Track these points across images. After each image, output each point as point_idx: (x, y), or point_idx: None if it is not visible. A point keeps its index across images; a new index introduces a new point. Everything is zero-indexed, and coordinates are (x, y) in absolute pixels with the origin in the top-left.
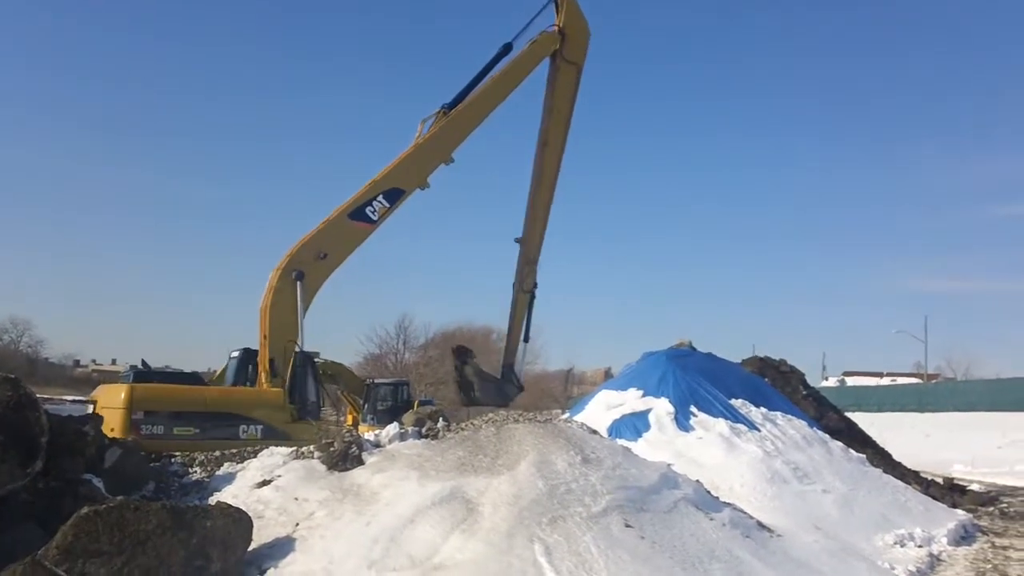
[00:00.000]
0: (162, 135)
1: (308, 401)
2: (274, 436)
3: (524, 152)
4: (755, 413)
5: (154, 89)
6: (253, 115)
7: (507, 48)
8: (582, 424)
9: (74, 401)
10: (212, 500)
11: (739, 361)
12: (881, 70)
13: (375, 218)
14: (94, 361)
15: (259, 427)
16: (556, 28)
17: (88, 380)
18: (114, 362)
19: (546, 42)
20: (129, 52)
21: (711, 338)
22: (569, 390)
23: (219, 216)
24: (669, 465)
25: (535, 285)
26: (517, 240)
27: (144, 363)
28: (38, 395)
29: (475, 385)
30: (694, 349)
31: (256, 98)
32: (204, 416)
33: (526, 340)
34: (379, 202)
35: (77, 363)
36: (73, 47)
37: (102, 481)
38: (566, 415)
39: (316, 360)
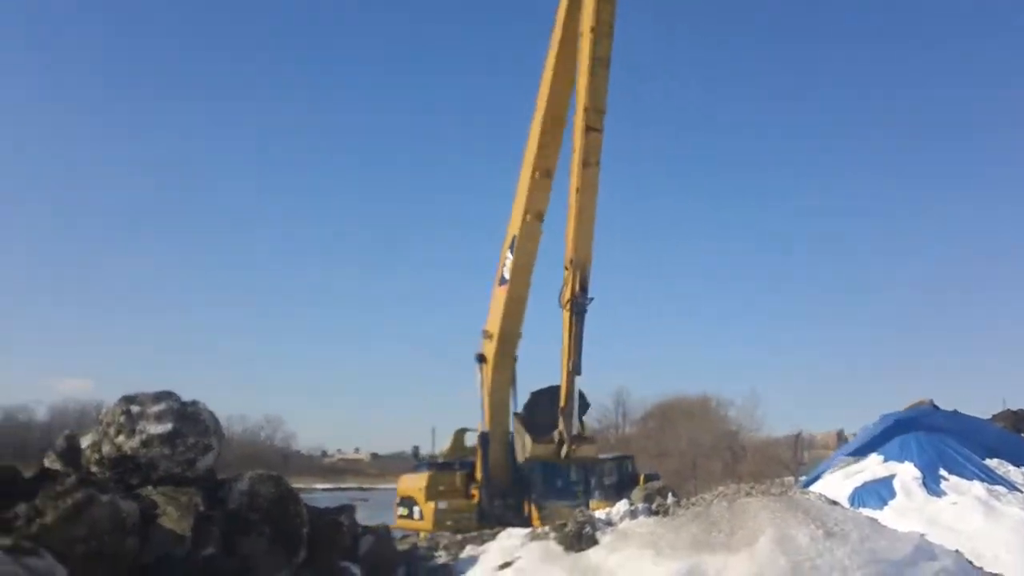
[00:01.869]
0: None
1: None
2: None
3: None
4: (1015, 473)
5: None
6: None
7: None
8: (820, 494)
9: (325, 490)
10: None
11: (989, 417)
12: None
13: (508, 275)
14: (339, 450)
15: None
16: None
17: (334, 469)
18: (357, 450)
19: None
20: None
21: (953, 394)
22: (799, 456)
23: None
24: (922, 535)
25: (580, 298)
26: None
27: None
28: (294, 486)
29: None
30: (936, 407)
31: None
32: (404, 500)
33: (576, 372)
34: (507, 257)
35: (324, 453)
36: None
37: (359, 568)
38: (799, 484)
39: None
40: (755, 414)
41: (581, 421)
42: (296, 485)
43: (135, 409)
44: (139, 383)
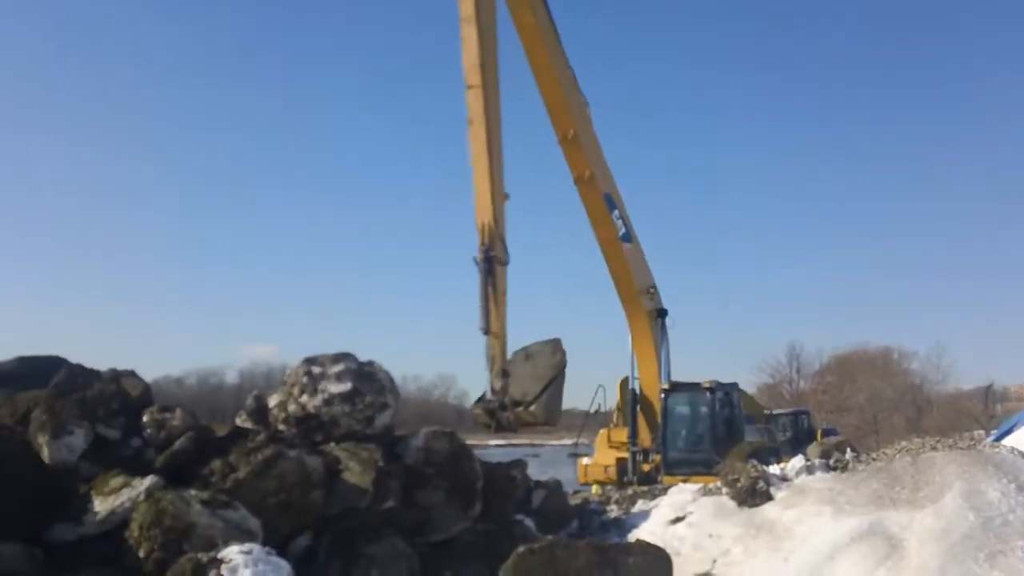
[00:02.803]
0: None
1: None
2: None
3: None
4: None
5: None
6: None
7: None
8: (1012, 448)
9: (497, 446)
10: (631, 537)
11: None
12: None
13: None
14: None
15: None
16: None
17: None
18: None
19: None
20: None
21: None
22: (991, 409)
23: None
24: None
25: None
26: None
27: None
28: (468, 443)
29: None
30: None
31: None
32: None
33: (483, 331)
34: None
35: None
36: None
37: (532, 521)
38: (990, 438)
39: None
40: (941, 365)
41: (548, 384)
42: (470, 441)
43: (316, 370)
44: (319, 347)
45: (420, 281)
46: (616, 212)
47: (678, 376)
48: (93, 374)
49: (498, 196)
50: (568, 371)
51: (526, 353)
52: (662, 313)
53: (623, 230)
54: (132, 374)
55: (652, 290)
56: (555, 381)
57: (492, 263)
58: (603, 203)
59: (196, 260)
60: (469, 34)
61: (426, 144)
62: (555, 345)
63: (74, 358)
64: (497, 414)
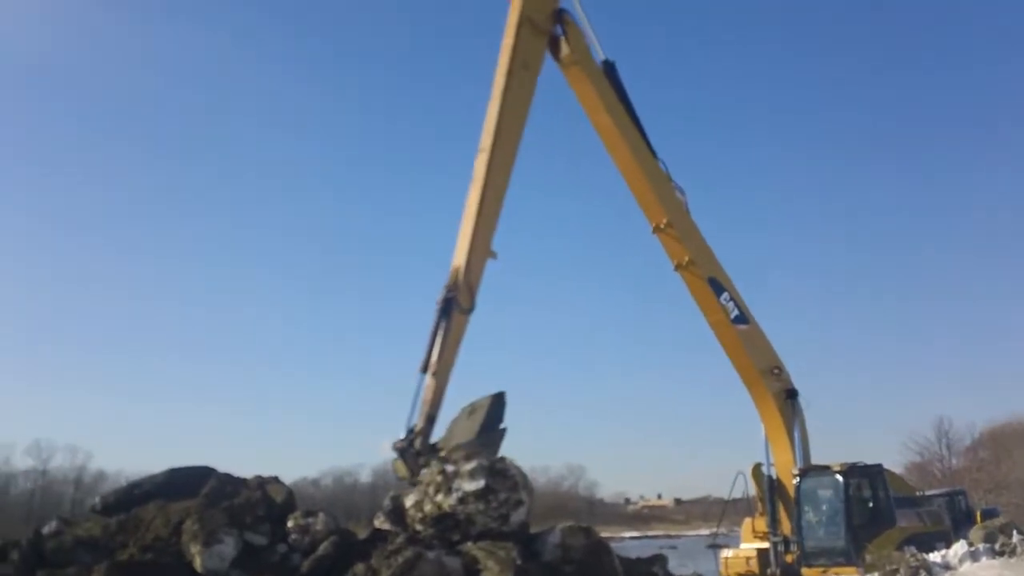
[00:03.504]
0: None
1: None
2: None
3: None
4: None
5: None
6: None
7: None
8: None
9: (632, 538)
10: None
11: None
12: None
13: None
14: (642, 497)
15: None
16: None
17: (639, 516)
18: (659, 496)
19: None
20: None
21: None
22: None
23: None
24: None
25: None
26: None
27: None
28: (602, 535)
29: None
30: None
31: None
32: None
33: (421, 369)
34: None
35: (627, 500)
36: None
37: None
38: None
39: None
40: None
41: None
42: (603, 534)
43: (450, 468)
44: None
45: (546, 371)
46: (725, 295)
47: (823, 459)
48: (240, 482)
49: (478, 250)
50: (693, 458)
51: (472, 407)
52: (792, 394)
53: (735, 312)
54: (276, 480)
55: (777, 371)
56: (488, 436)
57: (450, 305)
58: (707, 287)
59: (326, 358)
60: (492, 106)
61: (549, 242)
62: (496, 399)
63: (220, 466)
64: (406, 456)
